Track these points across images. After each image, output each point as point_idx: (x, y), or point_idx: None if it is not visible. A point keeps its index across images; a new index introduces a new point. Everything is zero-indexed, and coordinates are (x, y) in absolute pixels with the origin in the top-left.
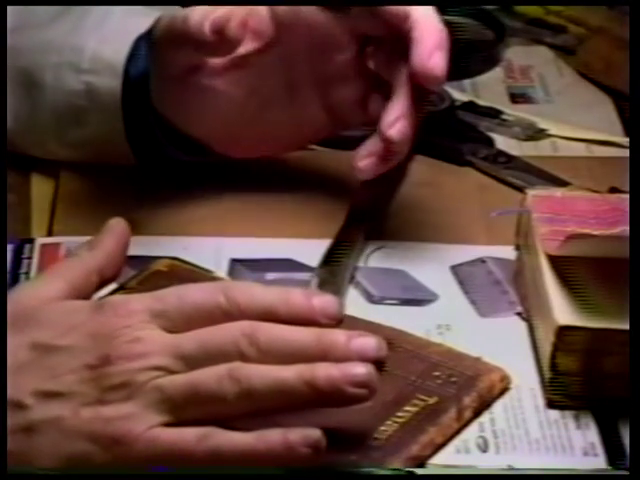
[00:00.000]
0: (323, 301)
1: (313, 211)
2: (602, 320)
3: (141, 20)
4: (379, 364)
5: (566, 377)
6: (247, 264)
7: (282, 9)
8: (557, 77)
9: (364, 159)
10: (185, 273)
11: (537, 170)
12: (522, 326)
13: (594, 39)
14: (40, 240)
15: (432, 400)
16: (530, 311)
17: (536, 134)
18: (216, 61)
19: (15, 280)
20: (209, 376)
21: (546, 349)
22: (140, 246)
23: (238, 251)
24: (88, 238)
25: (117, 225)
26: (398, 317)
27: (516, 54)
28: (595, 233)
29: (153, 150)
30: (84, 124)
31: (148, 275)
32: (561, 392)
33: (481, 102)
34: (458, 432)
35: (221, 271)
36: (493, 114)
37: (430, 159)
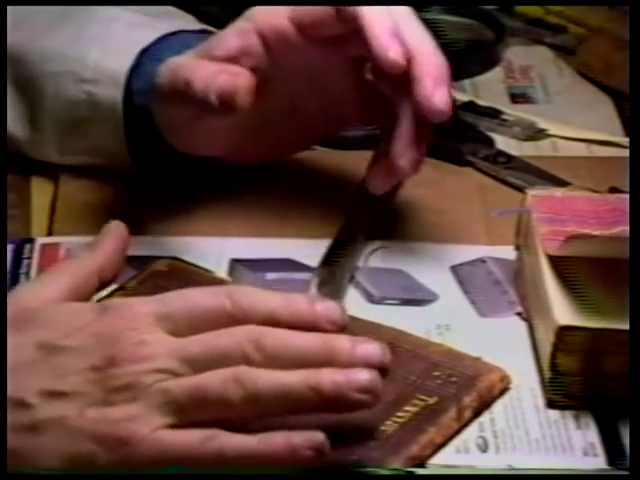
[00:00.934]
0: (327, 307)
1: (313, 211)
2: (602, 320)
3: (144, 32)
4: (383, 370)
5: (566, 377)
6: (247, 264)
7: (273, 40)
8: (557, 77)
9: (376, 179)
10: (185, 273)
11: (537, 170)
12: (522, 326)
13: (594, 39)
14: (40, 240)
15: (432, 400)
16: (530, 311)
17: (536, 134)
18: None
19: (15, 280)
20: (215, 379)
21: (546, 349)
22: (140, 246)
23: (238, 251)
24: (88, 238)
25: (117, 227)
26: (398, 317)
27: (516, 54)
28: (595, 233)
29: (154, 161)
30: (85, 133)
31: (148, 275)
32: (561, 392)
33: (481, 102)
34: (458, 432)
35: (221, 271)
36: (493, 114)
37: (430, 159)
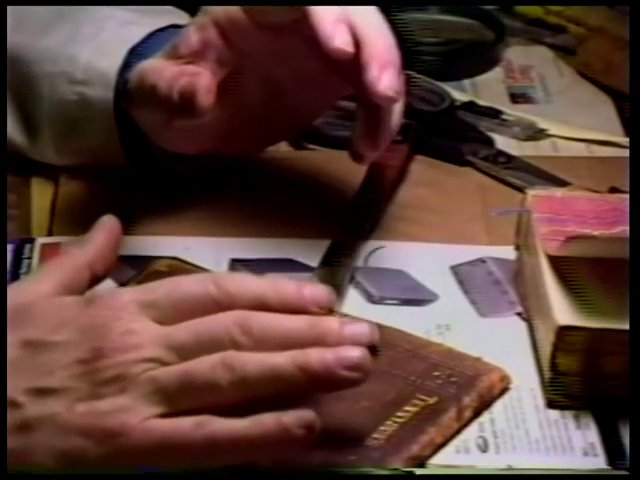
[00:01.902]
0: (314, 290)
1: (313, 211)
2: (602, 320)
3: (135, 30)
4: (373, 349)
5: (566, 377)
6: (247, 264)
7: (229, 30)
8: (557, 77)
9: (362, 142)
10: (185, 273)
11: (537, 170)
12: (522, 326)
13: (594, 39)
14: (40, 240)
15: (432, 400)
16: (530, 311)
17: (536, 134)
18: None
19: (15, 280)
20: (203, 365)
21: (546, 349)
22: (140, 246)
23: (238, 251)
24: None
25: (108, 221)
26: (398, 317)
27: (516, 54)
28: (595, 233)
29: (150, 160)
30: (80, 134)
31: (148, 275)
32: (561, 392)
33: (481, 102)
34: (458, 432)
35: (221, 271)
36: (493, 114)
37: (430, 159)
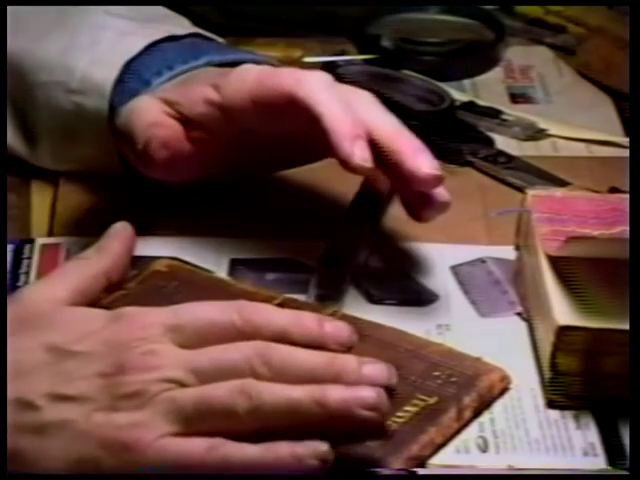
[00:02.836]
0: (335, 327)
1: (313, 211)
2: (602, 320)
3: (133, 40)
4: (389, 390)
5: (566, 377)
6: (247, 264)
7: (234, 115)
8: (557, 77)
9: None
10: (185, 273)
11: (537, 170)
12: (522, 326)
13: (594, 39)
14: (40, 240)
15: (432, 400)
16: (530, 311)
17: (536, 134)
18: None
19: (15, 280)
20: (221, 390)
21: (546, 349)
22: (140, 246)
23: (238, 251)
24: (88, 238)
25: (124, 229)
26: (398, 317)
27: (516, 54)
28: (595, 233)
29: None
30: (76, 143)
31: (148, 275)
32: (561, 392)
33: (481, 102)
34: (458, 432)
35: (221, 271)
36: (493, 114)
37: None
